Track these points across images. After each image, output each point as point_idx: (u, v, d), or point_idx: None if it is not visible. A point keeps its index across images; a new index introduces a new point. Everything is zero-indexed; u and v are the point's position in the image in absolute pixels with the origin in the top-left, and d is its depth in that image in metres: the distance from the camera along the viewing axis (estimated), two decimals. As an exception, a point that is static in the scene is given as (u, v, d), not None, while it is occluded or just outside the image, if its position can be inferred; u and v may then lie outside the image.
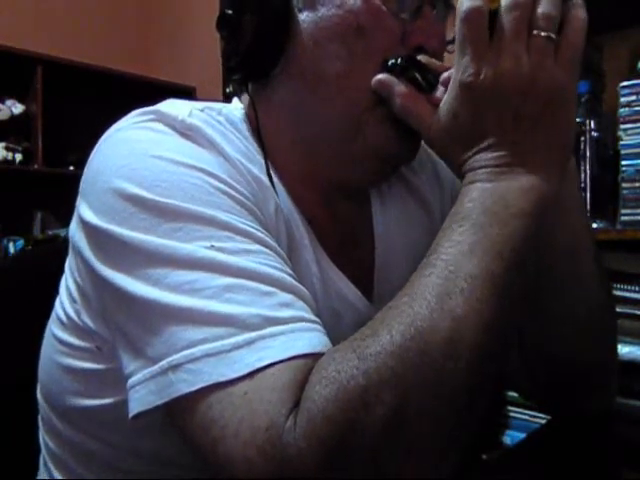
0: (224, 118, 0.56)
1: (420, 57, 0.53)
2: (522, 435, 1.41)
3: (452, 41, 0.59)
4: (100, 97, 2.93)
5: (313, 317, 0.45)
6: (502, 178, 0.45)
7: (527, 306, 0.53)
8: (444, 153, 0.51)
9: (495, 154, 0.46)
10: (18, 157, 2.61)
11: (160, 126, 0.51)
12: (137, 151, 0.49)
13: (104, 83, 2.90)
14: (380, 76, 0.53)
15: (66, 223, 0.54)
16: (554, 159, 0.47)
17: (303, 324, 0.43)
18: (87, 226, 0.49)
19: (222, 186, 0.48)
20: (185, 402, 0.41)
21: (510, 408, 1.52)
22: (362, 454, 0.37)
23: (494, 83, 0.45)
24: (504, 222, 0.43)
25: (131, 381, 0.44)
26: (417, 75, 0.52)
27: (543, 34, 0.45)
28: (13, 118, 2.64)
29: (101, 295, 0.49)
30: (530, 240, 0.44)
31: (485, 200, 0.44)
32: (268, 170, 0.54)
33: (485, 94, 0.45)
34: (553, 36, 0.45)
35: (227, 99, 0.64)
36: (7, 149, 2.59)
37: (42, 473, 0.63)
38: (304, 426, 0.37)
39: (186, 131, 0.51)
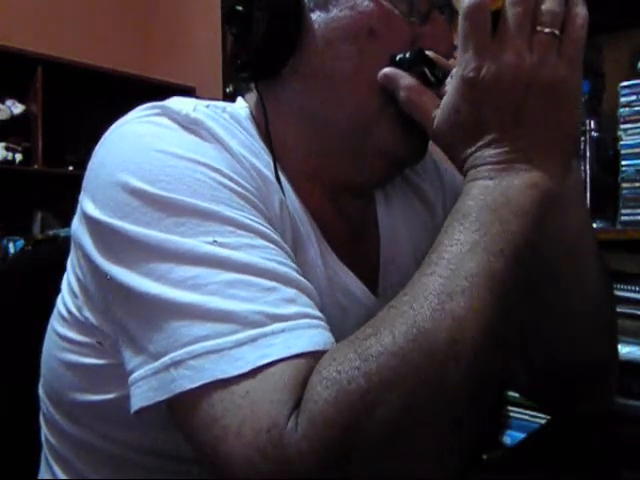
0: (229, 115, 0.56)
1: (428, 52, 0.53)
2: (522, 435, 1.41)
3: None
4: (100, 97, 2.93)
5: (317, 313, 0.44)
6: (503, 175, 0.45)
7: (527, 304, 0.53)
8: (447, 149, 0.50)
9: (496, 150, 0.46)
10: (18, 157, 2.61)
11: (164, 120, 0.51)
12: (141, 145, 0.49)
13: (104, 83, 2.90)
14: (386, 69, 0.53)
15: (66, 223, 0.54)
16: (557, 154, 0.46)
17: (306, 321, 0.43)
18: (89, 220, 0.49)
19: (226, 181, 0.48)
20: (187, 399, 0.41)
21: (510, 408, 1.52)
22: (363, 456, 0.37)
23: (496, 78, 0.45)
24: (505, 220, 0.43)
25: (133, 377, 0.43)
26: (425, 69, 0.52)
27: (547, 30, 0.45)
28: (13, 118, 2.64)
29: (103, 290, 0.48)
30: (531, 238, 0.44)
31: (486, 197, 0.44)
32: (275, 167, 0.54)
33: (486, 89, 0.45)
34: (557, 32, 0.45)
35: (227, 99, 0.64)
36: (7, 149, 2.59)
37: (43, 472, 0.63)
38: (305, 427, 0.37)
39: (190, 125, 0.51)
